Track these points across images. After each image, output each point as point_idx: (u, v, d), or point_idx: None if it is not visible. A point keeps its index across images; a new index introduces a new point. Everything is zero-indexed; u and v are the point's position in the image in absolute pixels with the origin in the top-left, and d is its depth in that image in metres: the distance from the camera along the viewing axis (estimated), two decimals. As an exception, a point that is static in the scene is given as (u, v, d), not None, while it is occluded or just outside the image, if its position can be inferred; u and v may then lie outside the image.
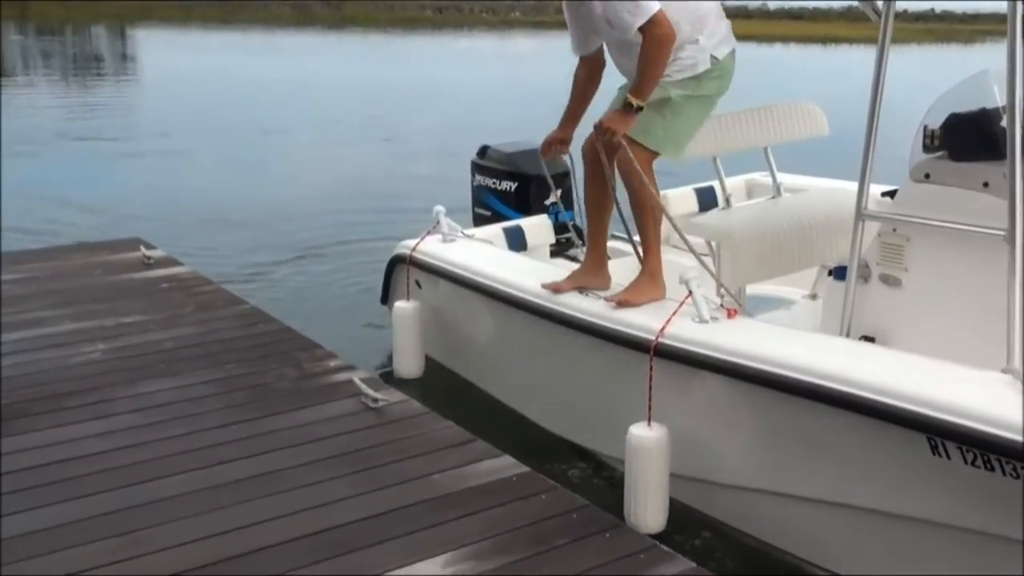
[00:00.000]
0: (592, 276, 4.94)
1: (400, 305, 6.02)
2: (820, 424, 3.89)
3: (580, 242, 6.60)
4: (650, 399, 4.28)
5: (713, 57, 4.57)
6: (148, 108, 21.60)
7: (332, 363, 5.06)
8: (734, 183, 6.72)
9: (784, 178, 6.22)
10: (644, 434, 4.26)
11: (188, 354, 5.17)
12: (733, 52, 4.66)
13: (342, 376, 4.87)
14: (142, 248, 7.03)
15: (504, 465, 4.03)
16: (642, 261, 4.75)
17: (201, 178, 13.11)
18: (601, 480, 4.84)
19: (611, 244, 6.56)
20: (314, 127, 18.23)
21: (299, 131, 17.68)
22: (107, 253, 7.08)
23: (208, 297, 6.12)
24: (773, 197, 5.97)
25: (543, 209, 6.69)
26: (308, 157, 15.03)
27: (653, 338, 4.34)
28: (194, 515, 3.63)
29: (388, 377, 5.87)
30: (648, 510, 4.27)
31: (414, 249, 6.01)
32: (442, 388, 5.91)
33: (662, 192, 6.13)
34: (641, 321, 4.48)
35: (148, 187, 12.48)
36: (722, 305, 4.46)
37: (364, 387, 4.62)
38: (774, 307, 5.63)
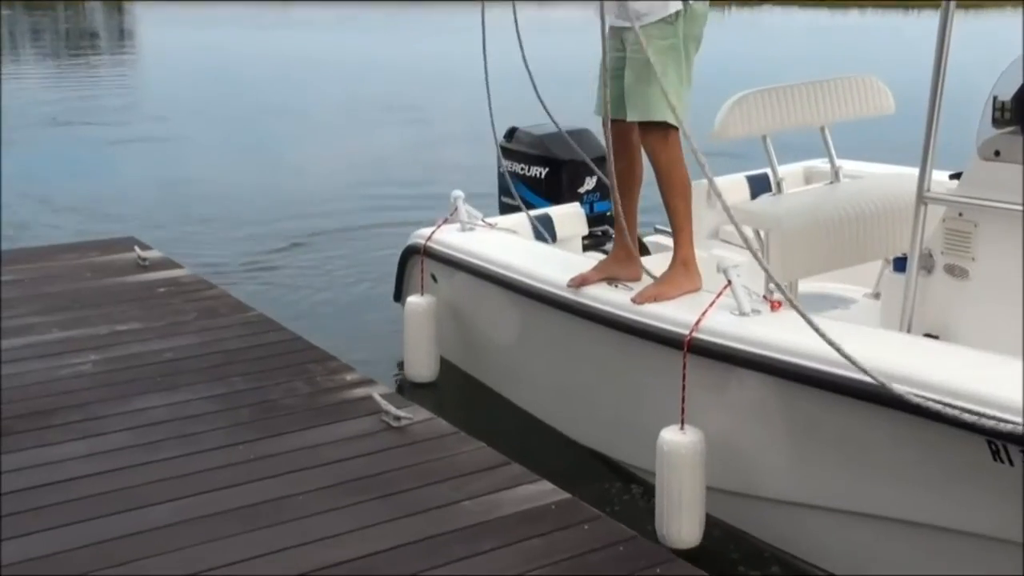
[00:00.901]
0: (621, 266, 4.97)
1: (413, 301, 6.06)
2: (873, 429, 3.88)
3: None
4: (683, 400, 4.30)
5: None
6: (147, 89, 21.88)
7: (348, 377, 5.10)
8: (790, 170, 6.72)
9: (845, 165, 6.18)
10: (677, 439, 4.29)
11: (188, 366, 5.22)
12: (705, 10, 4.66)
13: (360, 391, 4.91)
14: (137, 248, 7.12)
15: (542, 491, 4.04)
16: (674, 249, 4.77)
17: (204, 168, 13.26)
18: (632, 495, 4.88)
19: (653, 239, 6.65)
20: (328, 109, 18.36)
21: (312, 114, 17.82)
22: (98, 254, 7.17)
23: (210, 303, 6.19)
24: (831, 183, 5.95)
25: (577, 198, 6.73)
26: (321, 142, 15.16)
27: (687, 333, 4.36)
28: (192, 546, 3.67)
29: (402, 385, 5.92)
30: (682, 523, 4.29)
31: (429, 239, 6.06)
32: (457, 394, 5.96)
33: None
34: (674, 314, 4.50)
35: (145, 178, 12.64)
36: (765, 296, 4.46)
37: (384, 404, 4.65)
38: (831, 306, 5.63)
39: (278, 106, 18.38)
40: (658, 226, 6.83)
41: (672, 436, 4.31)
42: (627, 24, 4.60)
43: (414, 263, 6.26)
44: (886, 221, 5.14)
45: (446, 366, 6.14)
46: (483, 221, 6.17)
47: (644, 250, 6.47)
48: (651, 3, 4.58)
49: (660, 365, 4.48)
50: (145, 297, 6.29)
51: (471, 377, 6.14)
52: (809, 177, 6.88)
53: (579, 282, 4.97)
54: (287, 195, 11.44)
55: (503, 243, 5.85)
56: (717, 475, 4.38)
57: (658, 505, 4.37)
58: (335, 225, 10.19)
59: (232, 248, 9.48)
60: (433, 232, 6.11)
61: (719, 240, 6.34)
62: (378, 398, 4.71)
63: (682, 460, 4.28)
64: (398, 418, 4.56)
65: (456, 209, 6.12)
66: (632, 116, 4.66)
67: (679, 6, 4.57)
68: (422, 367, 6.08)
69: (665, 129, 4.60)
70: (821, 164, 6.60)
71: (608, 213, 6.62)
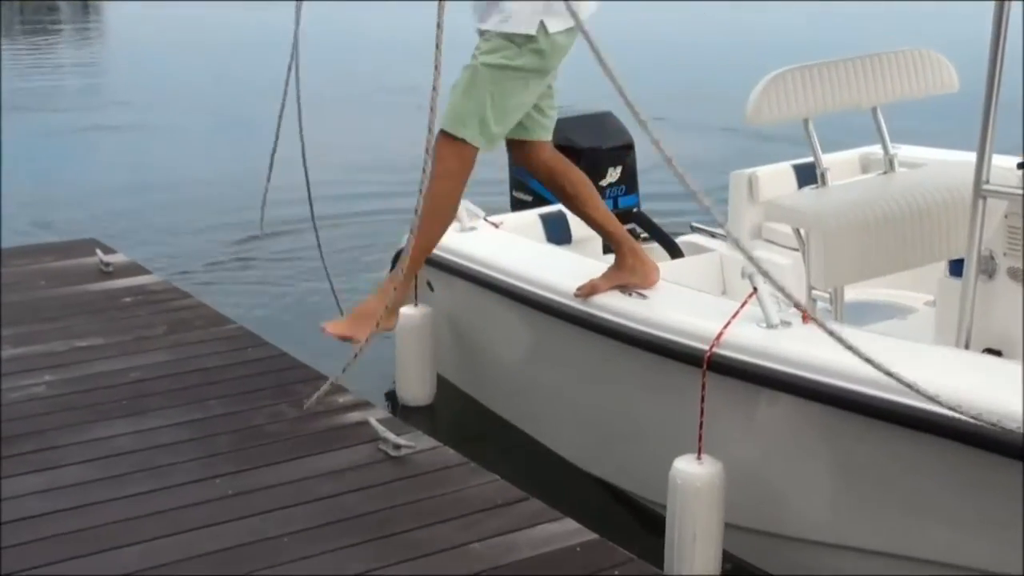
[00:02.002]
0: (631, 272, 5.01)
1: (406, 313, 6.11)
2: (925, 462, 3.90)
3: (644, 235, 6.69)
4: (701, 427, 4.34)
5: (542, 25, 4.60)
6: (112, 70, 22.06)
7: (341, 399, 5.14)
8: (844, 158, 6.72)
9: (904, 151, 6.18)
10: (692, 470, 4.33)
11: (158, 388, 5.28)
12: (572, 32, 4.65)
13: (354, 416, 4.96)
14: (99, 252, 7.20)
15: (565, 531, 4.07)
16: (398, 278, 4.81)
17: (176, 159, 13.35)
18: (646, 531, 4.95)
19: (688, 239, 6.69)
20: (318, 90, 18.35)
21: (305, 96, 17.86)
22: (54, 258, 7.25)
23: (184, 315, 6.25)
24: (884, 172, 5.95)
25: (598, 192, 6.75)
26: (309, 127, 15.16)
27: (706, 348, 4.40)
28: (163, 595, 3.72)
29: (393, 409, 5.98)
30: (695, 565, 4.32)
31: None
32: (457, 419, 6.02)
33: (751, 170, 6.20)
34: (692, 326, 4.55)
35: (108, 171, 12.75)
36: (796, 305, 4.49)
37: (382, 430, 4.69)
38: (885, 316, 5.64)
39: (260, 87, 18.43)
40: (694, 223, 6.88)
41: (687, 467, 4.35)
42: (484, 27, 4.67)
43: None
44: (949, 217, 5.14)
45: (444, 386, 6.19)
46: (486, 220, 6.21)
47: (677, 252, 6.53)
48: (517, 6, 4.60)
49: (676, 385, 4.53)
50: (108, 308, 6.36)
51: (472, 399, 6.20)
52: (866, 166, 6.89)
53: (588, 291, 5.03)
54: (270, 188, 11.51)
55: (508, 246, 5.91)
56: (739, 510, 4.41)
57: (668, 542, 4.41)
58: (324, 222, 10.23)
59: (209, 251, 9.57)
60: None
61: (763, 240, 6.37)
62: (375, 424, 4.76)
63: (697, 494, 4.32)
64: (398, 447, 4.60)
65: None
66: (443, 121, 4.69)
67: (534, 30, 4.59)
68: (416, 389, 6.15)
69: (460, 145, 4.66)
70: (880, 151, 6.62)
71: (635, 208, 6.68)
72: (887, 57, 5.73)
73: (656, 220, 7.03)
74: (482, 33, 4.73)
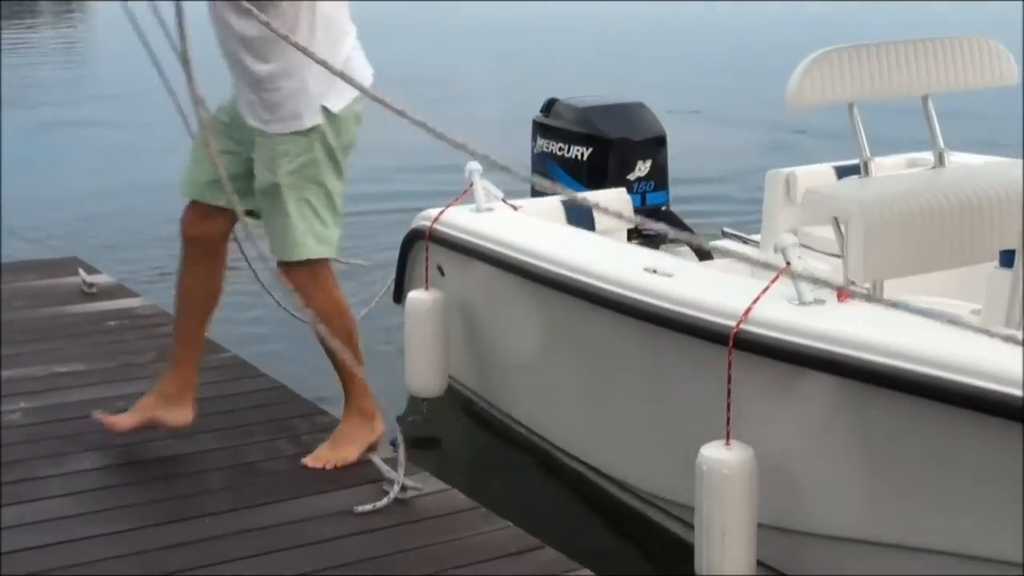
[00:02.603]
0: (168, 405, 5.02)
1: (416, 297, 6.17)
2: (977, 445, 3.90)
3: (672, 233, 6.74)
4: (728, 409, 4.37)
5: (325, 110, 4.62)
6: (96, 62, 22.06)
7: (343, 436, 5.18)
8: (889, 162, 6.75)
9: (953, 158, 6.14)
10: (721, 456, 4.36)
11: (143, 419, 5.33)
12: (359, 98, 4.66)
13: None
14: (81, 272, 7.24)
15: (583, 583, 4.12)
16: (347, 399, 4.94)
17: (167, 162, 13.29)
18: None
19: (719, 243, 6.78)
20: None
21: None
22: (34, 278, 7.30)
23: (172, 341, 6.26)
24: (933, 167, 5.99)
25: (625, 186, 6.86)
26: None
27: (733, 324, 4.43)
28: (147, 642, 3.76)
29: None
30: (725, 560, 4.34)
31: (436, 221, 6.16)
32: (468, 414, 6.09)
33: (789, 170, 6.25)
34: (717, 302, 4.57)
35: (92, 176, 12.66)
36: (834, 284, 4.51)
37: (387, 470, 4.72)
38: None
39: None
40: (726, 228, 6.93)
41: (715, 453, 4.38)
42: (257, 125, 4.67)
43: (418, 251, 6.36)
44: (1003, 215, 5.13)
45: (452, 390, 6.30)
46: (504, 201, 6.28)
47: (706, 255, 6.58)
48: (293, 102, 4.61)
49: (702, 367, 4.57)
50: (91, 332, 6.41)
51: (481, 409, 6.29)
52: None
53: (115, 425, 4.99)
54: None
55: (529, 226, 5.95)
56: (768, 507, 4.43)
57: (697, 540, 4.44)
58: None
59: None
60: (441, 213, 6.21)
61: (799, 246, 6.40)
62: (379, 463, 4.79)
63: (727, 482, 4.34)
64: (404, 488, 4.63)
65: (471, 186, 6.21)
66: (277, 254, 4.74)
67: (320, 119, 4.61)
68: (427, 378, 6.20)
69: (312, 265, 4.72)
70: (930, 156, 6.64)
71: (664, 207, 6.73)
72: (942, 42, 5.75)
73: (686, 221, 7.12)
74: (264, 136, 4.67)
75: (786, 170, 6.41)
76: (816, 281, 4.31)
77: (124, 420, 5.02)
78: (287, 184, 4.62)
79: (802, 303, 4.42)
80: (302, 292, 4.66)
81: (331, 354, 4.78)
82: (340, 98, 4.64)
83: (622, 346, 5.12)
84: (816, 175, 6.59)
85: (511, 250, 5.72)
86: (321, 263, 4.74)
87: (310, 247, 4.69)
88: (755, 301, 4.44)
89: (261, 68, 4.56)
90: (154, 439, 5.11)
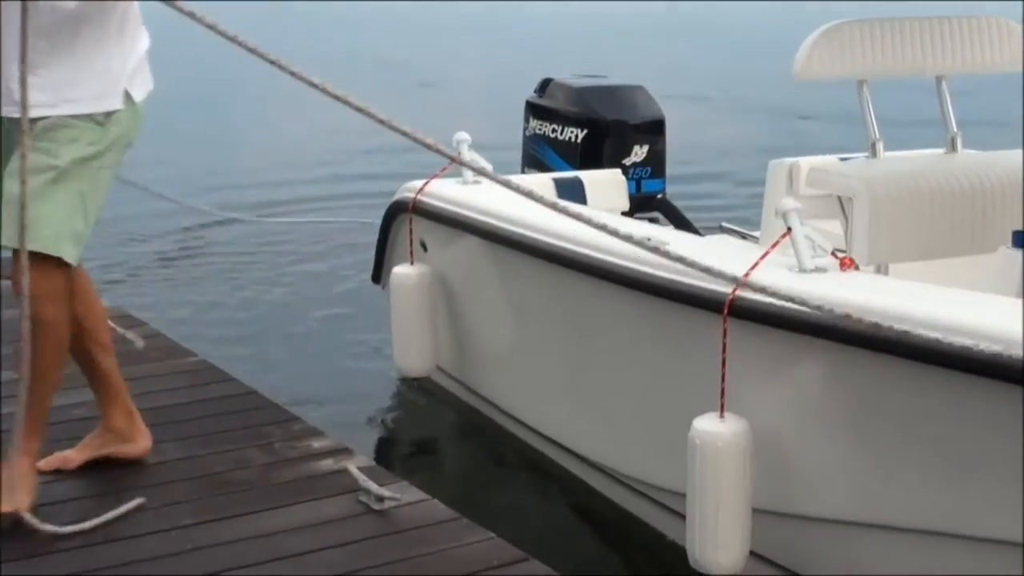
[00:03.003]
0: (119, 438, 4.98)
1: (400, 272, 6.23)
2: (987, 413, 3.89)
3: (670, 224, 6.80)
4: (723, 380, 4.40)
5: (128, 95, 4.44)
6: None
7: (317, 444, 5.19)
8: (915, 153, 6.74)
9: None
10: (715, 428, 4.40)
11: (105, 428, 5.32)
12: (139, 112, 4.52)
13: (331, 463, 5.00)
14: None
15: (570, 598, 4.14)
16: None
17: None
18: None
19: (719, 239, 6.75)
20: (304, 66, 18.58)
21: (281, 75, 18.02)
22: (-8, 277, 7.28)
23: (135, 345, 6.29)
24: (945, 152, 6.02)
25: (621, 171, 6.90)
26: (293, 110, 15.35)
27: (728, 291, 4.44)
28: (110, 663, 3.76)
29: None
30: (719, 538, 4.36)
31: (420, 192, 6.18)
32: (459, 395, 6.10)
33: (792, 160, 6.28)
34: (713, 268, 4.54)
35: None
36: (834, 253, 4.53)
37: (363, 479, 4.73)
38: None
39: (236, 66, 18.58)
40: (724, 223, 6.96)
41: (708, 426, 4.41)
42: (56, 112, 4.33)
43: (400, 225, 6.40)
44: (1015, 202, 5.17)
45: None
46: (493, 175, 6.26)
47: None
48: (97, 80, 4.39)
49: (695, 336, 4.59)
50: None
51: (465, 390, 6.36)
52: None
53: (57, 464, 4.90)
54: (241, 180, 11.55)
55: (519, 200, 5.95)
56: (766, 489, 4.45)
57: (689, 519, 4.46)
58: (314, 230, 10.38)
59: (166, 266, 9.63)
60: (426, 184, 6.25)
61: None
62: (355, 472, 4.80)
63: (721, 455, 4.37)
64: (381, 498, 4.64)
65: (459, 156, 6.22)
66: (33, 244, 4.25)
67: (120, 103, 4.41)
68: (414, 356, 6.26)
69: (57, 267, 4.34)
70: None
71: (660, 195, 6.77)
72: (958, 21, 5.78)
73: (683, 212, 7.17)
74: (33, 123, 4.24)
75: (789, 160, 6.40)
76: (817, 247, 4.35)
77: (75, 457, 4.97)
78: (73, 170, 4.31)
79: (803, 270, 4.45)
80: (38, 292, 4.24)
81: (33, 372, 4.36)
82: (143, 88, 4.52)
83: (614, 318, 5.14)
84: (823, 166, 6.56)
85: (500, 220, 5.74)
86: (67, 271, 4.40)
87: (69, 248, 4.35)
88: (753, 267, 4.45)
89: (61, 44, 4.29)
90: (116, 449, 5.11)
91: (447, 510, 4.67)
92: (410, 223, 6.22)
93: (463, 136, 6.23)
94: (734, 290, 4.42)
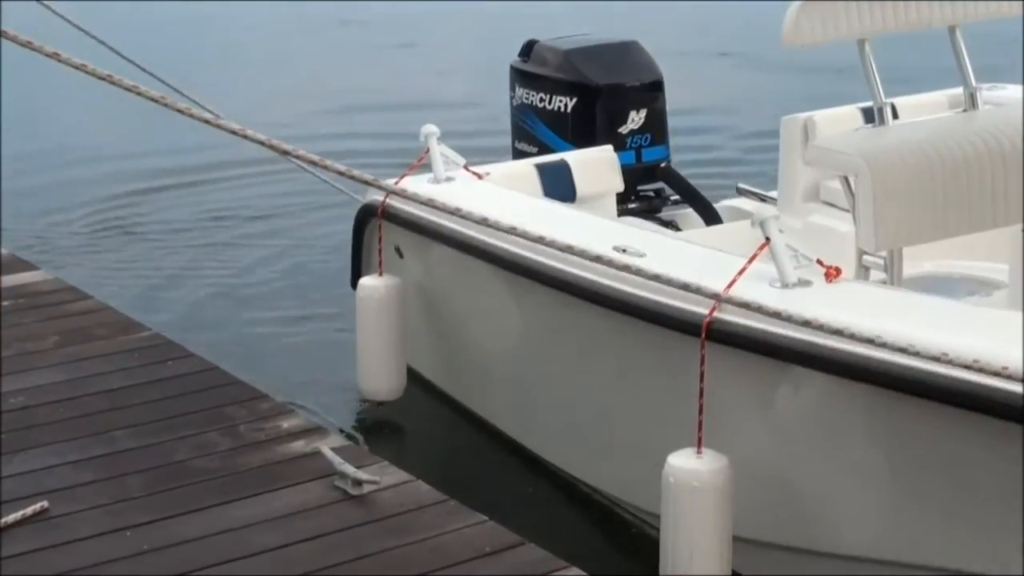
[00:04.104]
0: None
1: (367, 284, 6.22)
2: (991, 453, 3.94)
3: (675, 196, 6.79)
4: (701, 412, 4.40)
5: None
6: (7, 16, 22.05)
7: (286, 423, 5.19)
8: (928, 100, 6.70)
9: (991, 95, 6.16)
10: (689, 466, 4.40)
11: (49, 416, 5.30)
12: None
13: (302, 444, 5.00)
14: (-33, 244, 7.23)
15: (570, 581, 4.12)
16: None
17: (78, 123, 13.33)
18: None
19: (730, 203, 6.87)
20: (266, 26, 18.58)
21: (242, 37, 18.04)
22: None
23: (81, 320, 6.27)
24: (964, 110, 5.95)
25: (617, 141, 6.85)
26: (254, 74, 15.36)
27: (706, 312, 4.44)
28: None
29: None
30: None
31: (389, 195, 6.17)
32: (432, 417, 6.17)
33: (808, 115, 6.27)
34: (689, 286, 4.54)
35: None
36: (819, 261, 4.52)
37: (339, 462, 4.71)
38: (960, 292, 5.66)
39: (192, 28, 18.57)
40: (741, 185, 6.94)
41: (683, 463, 4.42)
42: None
43: (372, 230, 6.38)
44: None
45: (414, 379, 6.33)
46: (467, 169, 6.28)
47: (716, 218, 6.61)
48: None
49: (673, 360, 4.60)
50: (-19, 316, 6.38)
51: (447, 397, 6.36)
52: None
53: None
54: (196, 151, 11.54)
55: (492, 199, 5.94)
56: (750, 520, 4.48)
57: (662, 559, 4.49)
58: (270, 191, 10.36)
59: (114, 239, 9.61)
60: (395, 184, 6.18)
61: (820, 202, 6.41)
62: (329, 454, 4.78)
63: (695, 496, 4.38)
64: (359, 483, 4.63)
65: (427, 152, 6.22)
66: None
67: None
68: (380, 378, 6.24)
69: None
70: (987, 92, 6.50)
71: (663, 163, 6.74)
72: None
73: (691, 180, 7.13)
74: None
75: (803, 115, 6.34)
76: (800, 256, 4.37)
77: None
78: None
79: (785, 285, 4.45)
80: None
81: None
82: None
83: (586, 336, 5.16)
84: (839, 119, 6.48)
85: (467, 228, 5.72)
86: None
87: None
88: (730, 285, 4.46)
89: None
90: (60, 440, 5.11)
91: (433, 492, 4.66)
92: (379, 230, 6.21)
93: (431, 129, 6.23)
94: (711, 312, 4.43)
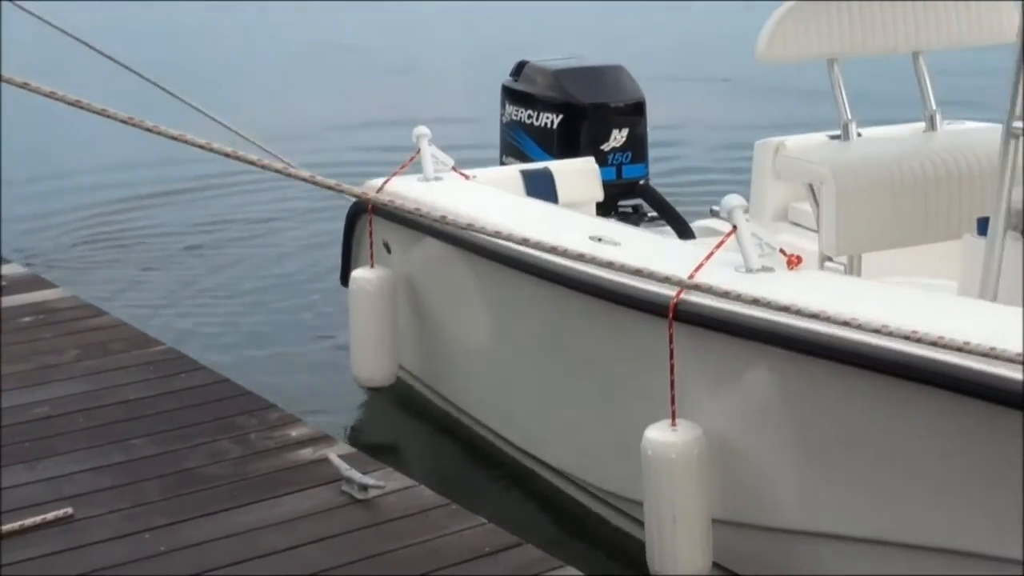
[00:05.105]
0: None
1: (360, 276, 6.30)
2: (944, 425, 3.97)
3: (652, 212, 6.87)
4: (672, 387, 4.48)
5: None
6: (8, 38, 22.11)
7: (295, 432, 5.23)
8: (893, 131, 6.71)
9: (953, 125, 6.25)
10: (666, 439, 4.48)
11: (69, 426, 5.34)
12: None
13: (310, 452, 5.04)
14: (-9, 262, 7.26)
15: (568, 582, 4.17)
16: None
17: (85, 145, 13.37)
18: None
19: (704, 223, 6.90)
20: (270, 57, 18.69)
21: (246, 67, 18.13)
22: (-69, 271, 7.29)
23: (98, 336, 6.32)
24: (925, 131, 6.06)
25: (599, 157, 6.95)
26: (260, 99, 15.43)
27: (672, 295, 4.51)
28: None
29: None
30: (679, 551, 4.44)
31: (379, 191, 6.22)
32: (423, 403, 6.16)
33: (779, 139, 6.35)
34: (658, 271, 4.58)
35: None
36: (782, 250, 4.60)
37: (346, 468, 4.76)
38: None
39: (199, 58, 18.65)
40: (715, 207, 7.01)
41: (660, 435, 4.49)
42: None
43: (362, 226, 6.44)
44: (987, 182, 5.19)
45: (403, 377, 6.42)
46: (455, 169, 6.36)
47: (688, 232, 6.71)
48: None
49: (643, 342, 4.66)
50: (4, 331, 6.40)
51: (430, 393, 6.43)
52: None
53: None
54: (199, 175, 11.59)
55: (479, 196, 6.05)
56: (720, 497, 4.53)
57: (648, 532, 4.54)
58: (269, 210, 10.40)
59: (126, 257, 9.65)
60: (385, 182, 6.27)
61: (788, 222, 6.51)
62: (336, 461, 4.82)
63: (674, 466, 4.45)
64: (364, 488, 4.67)
65: (419, 152, 6.28)
66: None
67: None
68: (373, 365, 6.31)
69: None
70: (949, 126, 6.51)
71: (642, 181, 6.82)
72: None
73: (668, 197, 7.21)
74: None
75: (775, 140, 6.46)
76: (765, 245, 4.42)
77: None
78: None
79: (749, 270, 4.52)
80: None
81: None
82: None
83: (564, 322, 5.21)
84: (809, 145, 6.57)
85: (455, 224, 5.76)
86: None
87: None
88: (697, 269, 4.52)
89: None
90: (81, 448, 5.14)
91: (435, 496, 4.70)
92: (370, 224, 6.27)
93: (423, 131, 6.31)
94: (678, 294, 4.50)
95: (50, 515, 4.59)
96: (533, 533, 4.52)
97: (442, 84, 16.11)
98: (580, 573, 4.21)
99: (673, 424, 4.50)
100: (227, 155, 4.12)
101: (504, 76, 7.42)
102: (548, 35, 17.81)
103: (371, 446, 5.94)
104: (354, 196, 4.87)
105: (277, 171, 4.39)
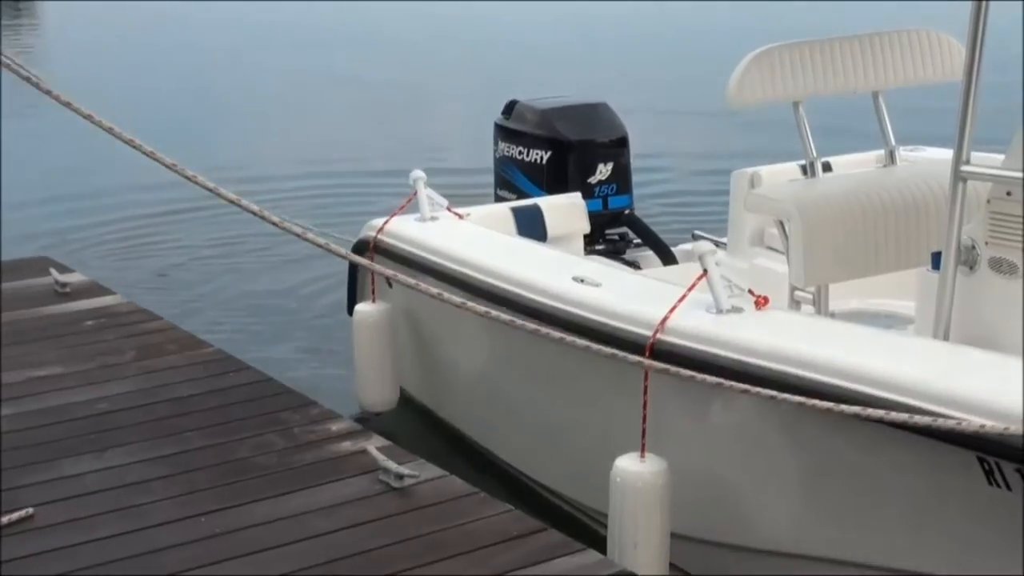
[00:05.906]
0: None
1: (362, 310, 6.59)
2: (897, 460, 4.16)
3: (637, 239, 7.05)
4: (644, 421, 4.65)
5: None
6: (49, 64, 22.36)
7: (335, 427, 5.41)
8: (858, 158, 6.96)
9: (921, 154, 6.50)
10: (633, 468, 4.66)
11: (127, 420, 5.53)
12: None
13: (350, 444, 5.23)
14: (53, 271, 7.44)
15: (587, 563, 4.33)
16: None
17: (128, 164, 13.55)
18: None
19: (685, 247, 7.08)
20: (282, 85, 18.88)
21: (259, 93, 18.31)
22: (3, 280, 7.45)
23: (153, 338, 6.52)
24: (884, 166, 6.26)
25: (586, 190, 7.17)
26: (272, 127, 15.64)
27: (649, 334, 4.70)
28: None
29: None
30: (638, 568, 4.57)
31: (380, 231, 6.45)
32: (422, 426, 6.40)
33: (753, 169, 6.54)
34: (635, 312, 4.86)
35: (53, 181, 12.95)
36: (751, 291, 4.78)
37: (383, 459, 4.94)
38: (879, 325, 5.86)
39: (233, 87, 18.85)
40: (696, 232, 7.19)
41: (628, 465, 4.68)
42: None
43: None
44: (940, 213, 5.31)
45: (405, 398, 6.65)
46: (449, 209, 6.55)
47: (671, 258, 6.90)
48: None
49: (621, 377, 4.82)
50: (67, 333, 6.61)
51: (432, 411, 6.64)
52: None
53: None
54: (234, 191, 11.83)
55: (471, 237, 6.25)
56: (687, 518, 4.72)
57: (609, 550, 4.71)
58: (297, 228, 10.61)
59: (175, 265, 9.84)
60: (385, 223, 6.49)
61: (764, 247, 6.72)
62: (375, 452, 5.01)
63: (639, 495, 4.64)
64: (400, 477, 4.85)
65: (415, 194, 6.50)
66: None
67: None
68: (375, 392, 6.60)
69: None
70: (908, 152, 6.76)
71: (627, 211, 6.99)
72: (889, 37, 6.01)
73: (652, 225, 7.46)
74: None
75: (751, 170, 6.66)
76: (734, 286, 4.63)
77: None
78: None
79: (719, 311, 4.71)
80: None
81: None
82: None
83: (549, 357, 5.40)
84: (781, 174, 6.80)
85: (448, 261, 6.01)
86: None
87: None
88: (671, 311, 4.74)
89: None
90: (138, 440, 5.33)
91: (465, 485, 4.89)
92: (372, 263, 6.47)
93: (418, 174, 6.53)
94: (654, 334, 4.71)
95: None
96: (560, 518, 4.73)
97: (439, 121, 16.30)
98: (599, 555, 4.38)
99: (642, 456, 4.69)
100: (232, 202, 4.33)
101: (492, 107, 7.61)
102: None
103: (403, 439, 6.14)
104: (341, 257, 5.21)
105: (273, 223, 4.69)
